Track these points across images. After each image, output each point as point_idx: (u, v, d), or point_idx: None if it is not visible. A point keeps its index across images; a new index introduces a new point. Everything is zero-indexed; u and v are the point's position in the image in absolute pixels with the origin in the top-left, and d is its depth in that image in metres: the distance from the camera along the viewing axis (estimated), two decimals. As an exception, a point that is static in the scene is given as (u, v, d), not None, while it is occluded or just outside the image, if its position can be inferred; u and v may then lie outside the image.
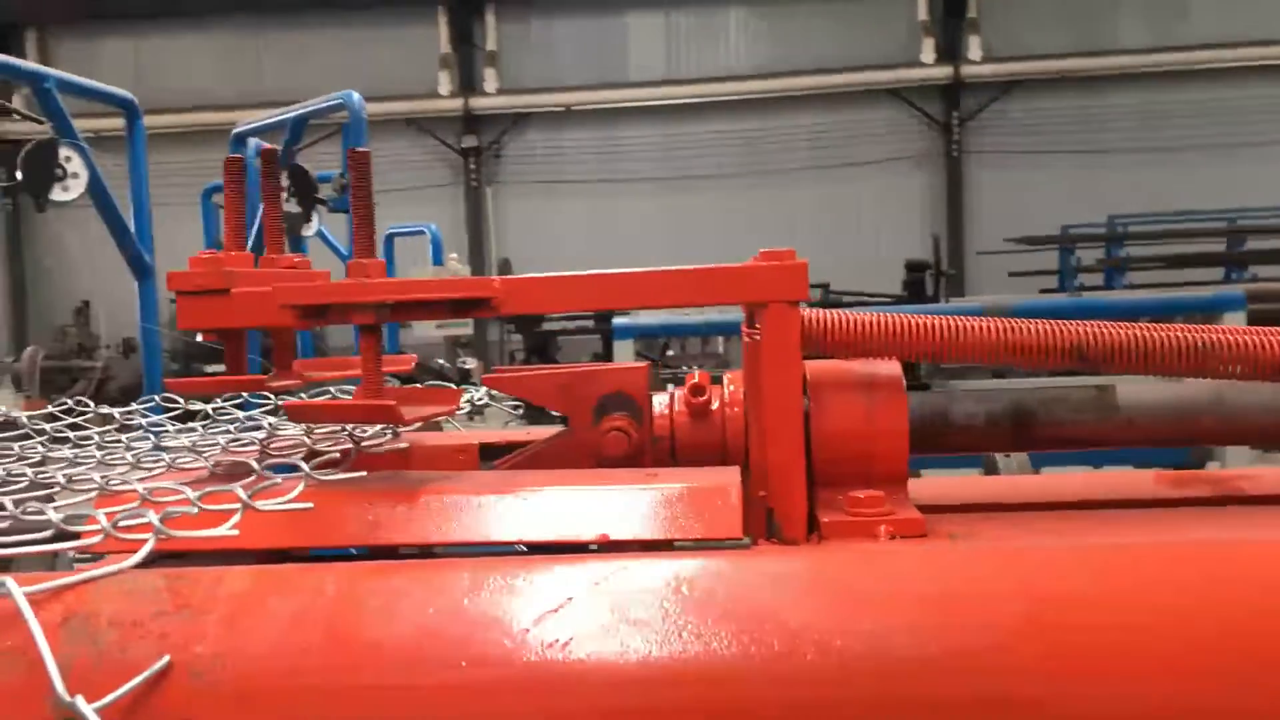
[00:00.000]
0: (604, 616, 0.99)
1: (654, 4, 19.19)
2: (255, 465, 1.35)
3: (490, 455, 1.58)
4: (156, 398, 1.95)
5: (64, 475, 1.38)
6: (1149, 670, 0.96)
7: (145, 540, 1.05)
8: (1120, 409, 1.42)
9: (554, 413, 1.54)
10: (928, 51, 18.66)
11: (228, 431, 1.79)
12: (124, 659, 0.95)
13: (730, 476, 1.26)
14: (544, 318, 13.54)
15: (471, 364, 10.57)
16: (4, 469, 1.46)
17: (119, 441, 1.73)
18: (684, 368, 9.09)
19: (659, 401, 1.48)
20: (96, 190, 4.99)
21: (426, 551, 1.28)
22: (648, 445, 1.46)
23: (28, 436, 1.73)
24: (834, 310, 1.37)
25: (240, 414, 1.89)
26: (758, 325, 1.28)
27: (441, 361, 10.89)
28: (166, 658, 0.94)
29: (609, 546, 1.17)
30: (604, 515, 1.20)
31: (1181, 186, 16.92)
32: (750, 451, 1.35)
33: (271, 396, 1.90)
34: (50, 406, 1.89)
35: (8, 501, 1.15)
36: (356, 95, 5.96)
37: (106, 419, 1.87)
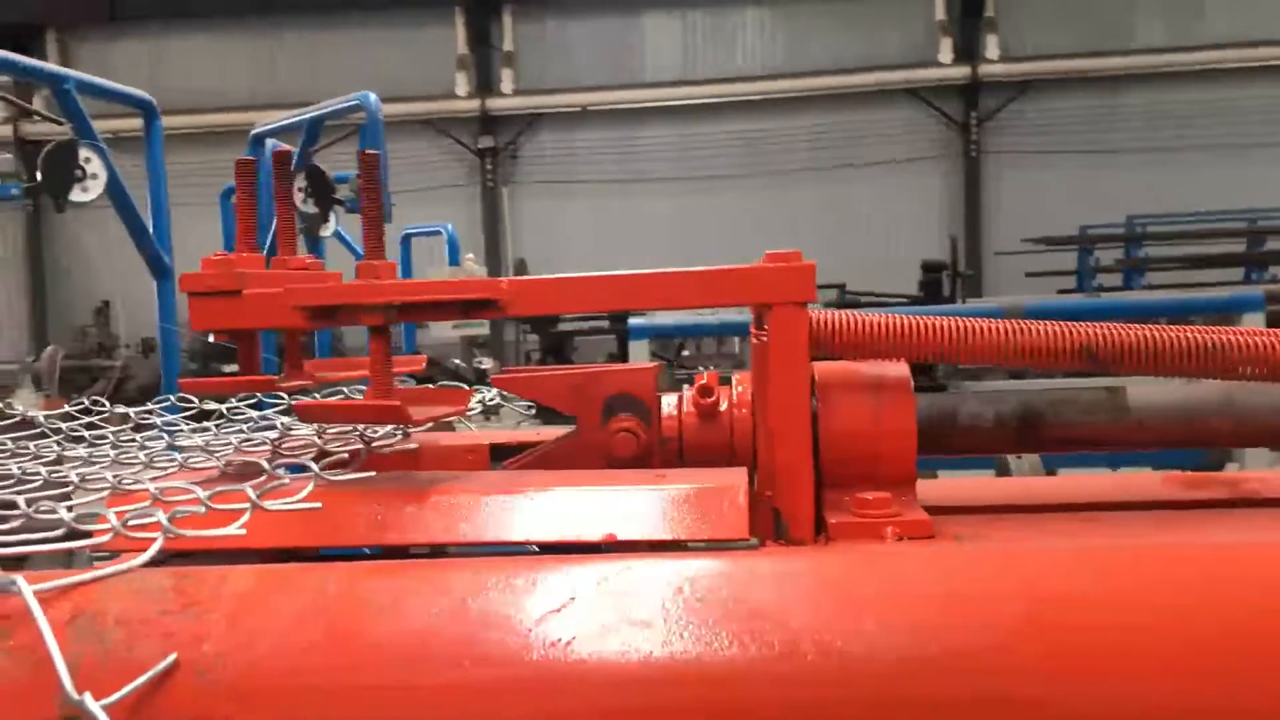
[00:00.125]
0: (607, 616, 1.00)
1: (670, 4, 19.18)
2: (266, 465, 1.36)
3: (501, 456, 1.59)
4: (172, 398, 1.96)
5: (77, 474, 1.39)
6: (1149, 670, 0.95)
7: (155, 539, 1.06)
8: (1130, 410, 1.42)
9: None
10: (945, 51, 18.60)
11: (241, 431, 1.81)
12: (131, 657, 0.96)
13: (738, 477, 1.26)
14: (559, 318, 13.55)
15: (488, 364, 10.58)
16: (19, 468, 1.47)
17: (133, 441, 1.75)
18: (700, 368, 9.08)
19: (667, 402, 1.48)
20: (115, 191, 5.02)
21: (438, 551, 1.28)
22: (656, 446, 1.46)
23: (44, 435, 1.75)
24: (842, 311, 1.37)
25: (254, 414, 1.90)
26: (766, 327, 1.28)
27: (458, 362, 10.92)
28: (173, 656, 0.95)
29: (616, 547, 1.17)
30: (611, 516, 1.21)
31: (1200, 187, 16.81)
32: (758, 452, 1.35)
33: (285, 397, 1.91)
34: (67, 406, 1.91)
35: (21, 500, 1.17)
36: (373, 96, 5.98)
37: (122, 418, 1.88)
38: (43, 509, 1.15)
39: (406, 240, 9.77)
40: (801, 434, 1.26)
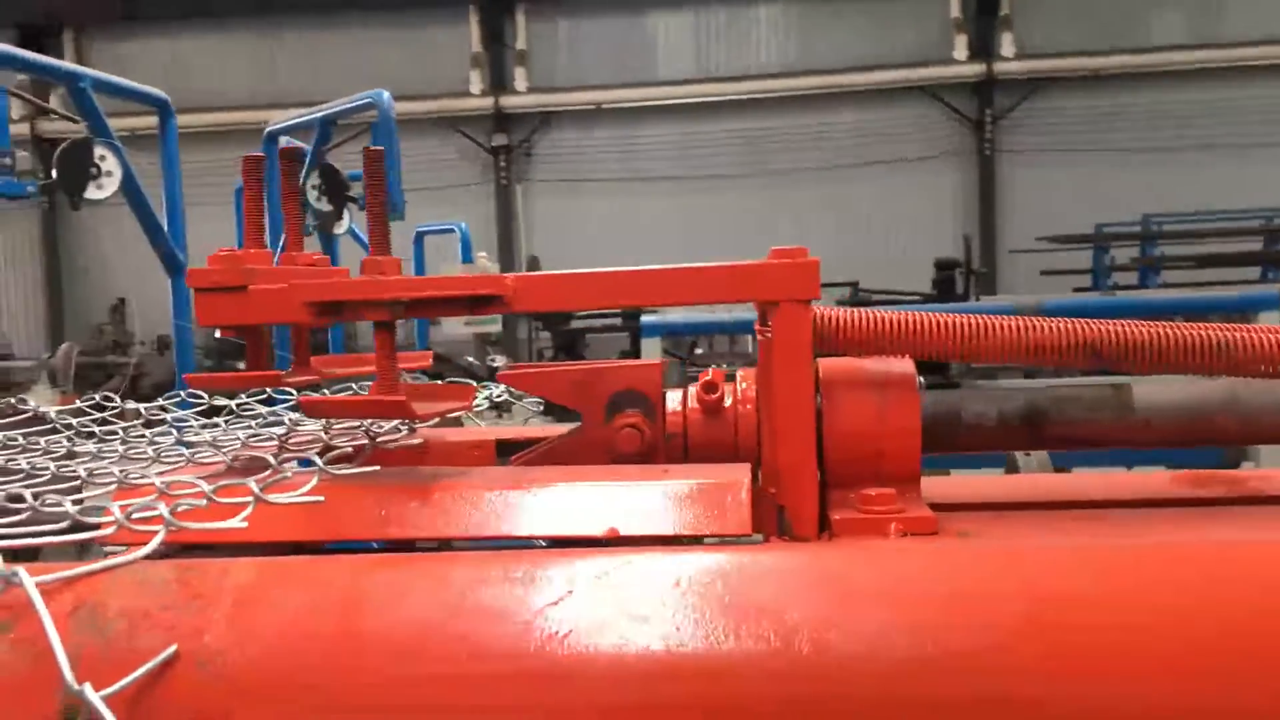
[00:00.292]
0: (606, 610, 1.00)
1: (683, 2, 19.16)
2: (271, 460, 1.36)
3: (507, 451, 1.60)
4: (183, 394, 1.97)
5: (85, 469, 1.40)
6: (1149, 670, 0.95)
7: (157, 532, 1.07)
8: (1135, 408, 1.41)
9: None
10: (960, 49, 18.53)
11: (249, 427, 1.82)
12: (131, 648, 0.96)
13: (741, 473, 1.27)
14: (572, 315, 13.56)
15: (500, 361, 10.61)
16: (29, 462, 1.49)
17: (142, 436, 1.76)
18: (712, 365, 9.06)
19: (672, 398, 1.49)
20: (130, 188, 5.05)
21: (443, 546, 1.29)
22: (660, 442, 1.46)
23: (55, 431, 1.76)
24: (847, 308, 1.36)
25: (262, 409, 1.91)
26: (770, 323, 1.28)
27: (471, 359, 10.96)
28: (173, 647, 0.96)
29: (620, 542, 1.17)
30: (615, 511, 1.21)
31: (1216, 185, 16.70)
32: (762, 449, 1.35)
33: (294, 392, 1.92)
34: (79, 402, 1.92)
35: (28, 494, 1.18)
36: (386, 94, 5.98)
37: (133, 414, 1.90)
38: (49, 502, 1.16)
39: (420, 238, 9.79)
40: (805, 431, 1.26)
